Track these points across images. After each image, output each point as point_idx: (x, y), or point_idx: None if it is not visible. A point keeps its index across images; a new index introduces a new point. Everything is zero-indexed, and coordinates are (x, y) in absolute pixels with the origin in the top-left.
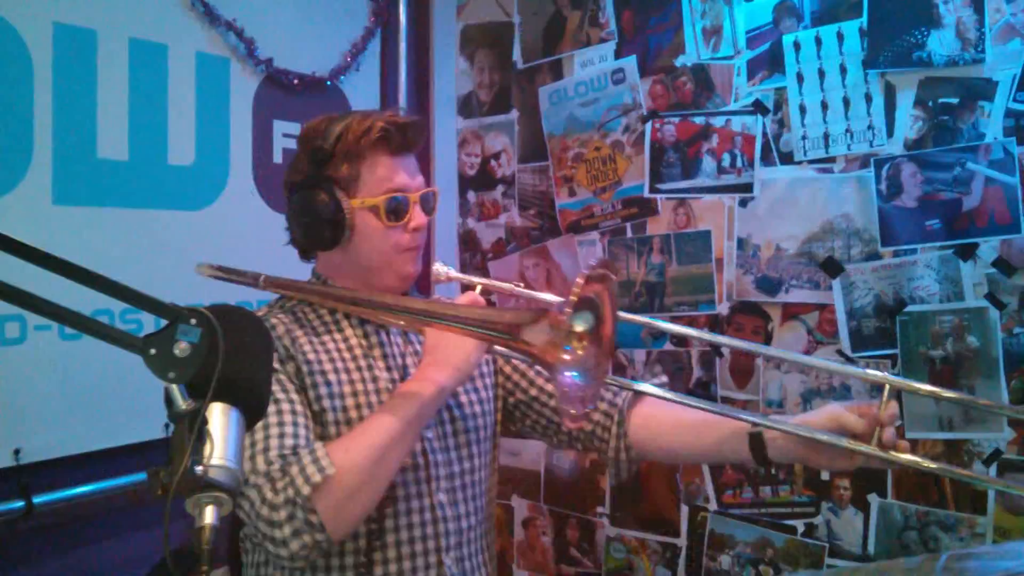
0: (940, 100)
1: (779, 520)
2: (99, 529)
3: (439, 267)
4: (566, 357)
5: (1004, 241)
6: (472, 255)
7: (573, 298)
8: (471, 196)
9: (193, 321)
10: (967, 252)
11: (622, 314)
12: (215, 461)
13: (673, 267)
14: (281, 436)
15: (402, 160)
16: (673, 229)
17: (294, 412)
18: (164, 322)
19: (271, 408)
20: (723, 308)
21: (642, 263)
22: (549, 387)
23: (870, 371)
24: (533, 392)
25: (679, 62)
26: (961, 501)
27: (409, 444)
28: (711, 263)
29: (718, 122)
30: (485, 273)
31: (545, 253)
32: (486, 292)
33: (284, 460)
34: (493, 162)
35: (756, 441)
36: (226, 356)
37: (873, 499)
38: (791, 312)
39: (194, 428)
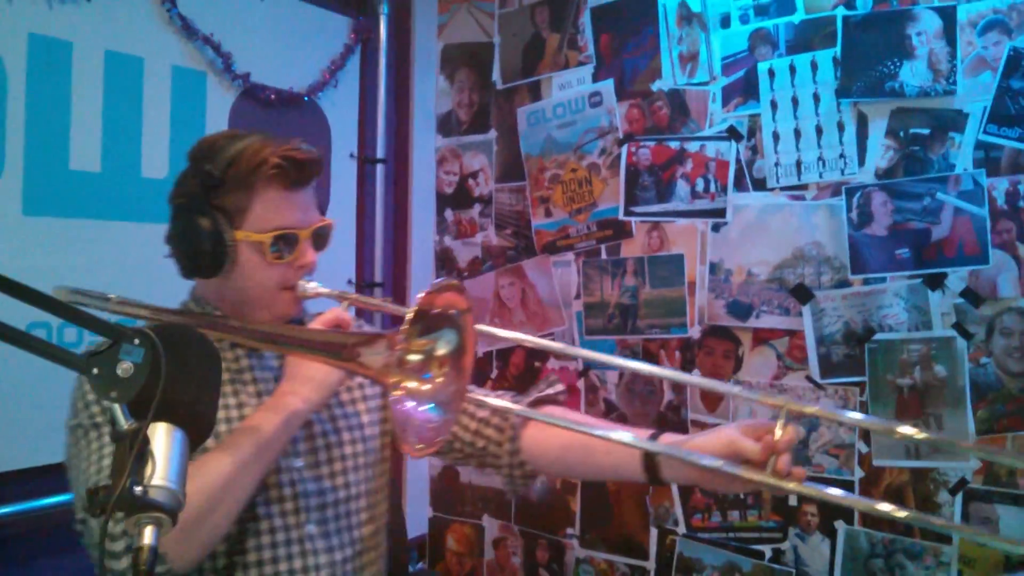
0: (911, 130)
1: (747, 545)
2: (56, 542)
3: (303, 283)
4: (424, 387)
5: (972, 272)
6: (448, 273)
7: (408, 318)
8: (448, 214)
9: (136, 341)
10: (936, 282)
11: (485, 328)
12: (156, 482)
13: (646, 290)
14: None
15: (296, 195)
16: (647, 252)
17: None
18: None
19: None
20: (695, 331)
21: (616, 285)
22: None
23: (769, 397)
24: None
25: (655, 87)
26: (927, 530)
27: (259, 472)
28: (683, 287)
29: (693, 147)
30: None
31: (520, 272)
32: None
33: None
34: (471, 181)
35: (649, 462)
36: (169, 377)
37: (840, 525)
38: (761, 337)
39: (135, 448)
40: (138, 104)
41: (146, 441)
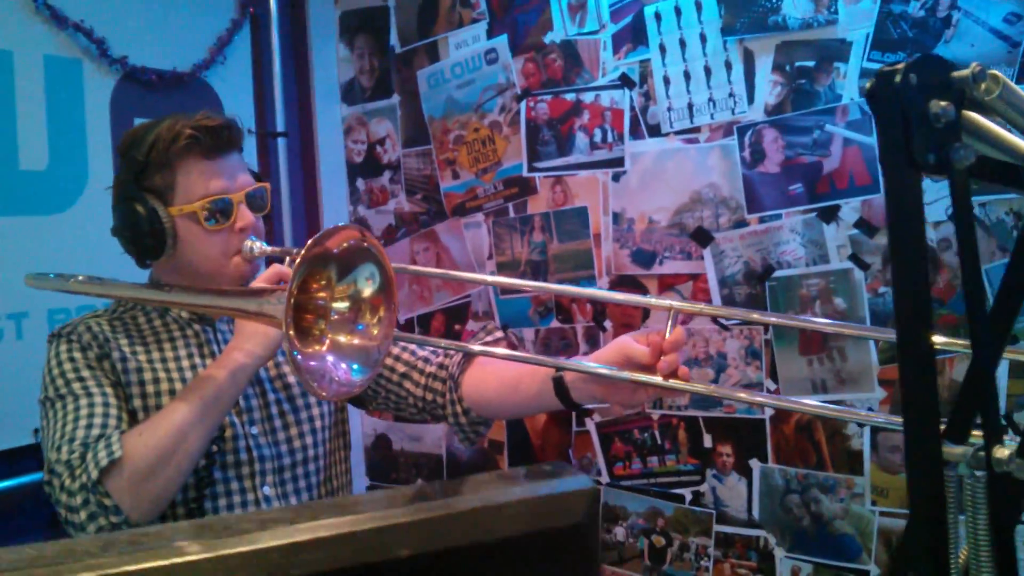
0: (797, 64)
1: (668, 490)
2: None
3: (248, 244)
4: (341, 339)
5: (864, 201)
6: None
7: (297, 263)
8: (360, 183)
9: None
10: (830, 215)
11: (411, 267)
12: None
13: (554, 245)
14: (88, 427)
15: (218, 163)
16: (552, 207)
17: (106, 404)
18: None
19: (84, 401)
20: (603, 283)
21: (525, 242)
22: (390, 362)
23: (655, 299)
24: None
25: (548, 39)
26: (839, 463)
27: (208, 426)
28: (589, 239)
29: (588, 98)
30: None
31: (434, 237)
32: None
33: (86, 448)
34: (379, 148)
35: (559, 386)
36: None
37: (755, 464)
38: (667, 283)
39: None
40: (11, 96)
41: None
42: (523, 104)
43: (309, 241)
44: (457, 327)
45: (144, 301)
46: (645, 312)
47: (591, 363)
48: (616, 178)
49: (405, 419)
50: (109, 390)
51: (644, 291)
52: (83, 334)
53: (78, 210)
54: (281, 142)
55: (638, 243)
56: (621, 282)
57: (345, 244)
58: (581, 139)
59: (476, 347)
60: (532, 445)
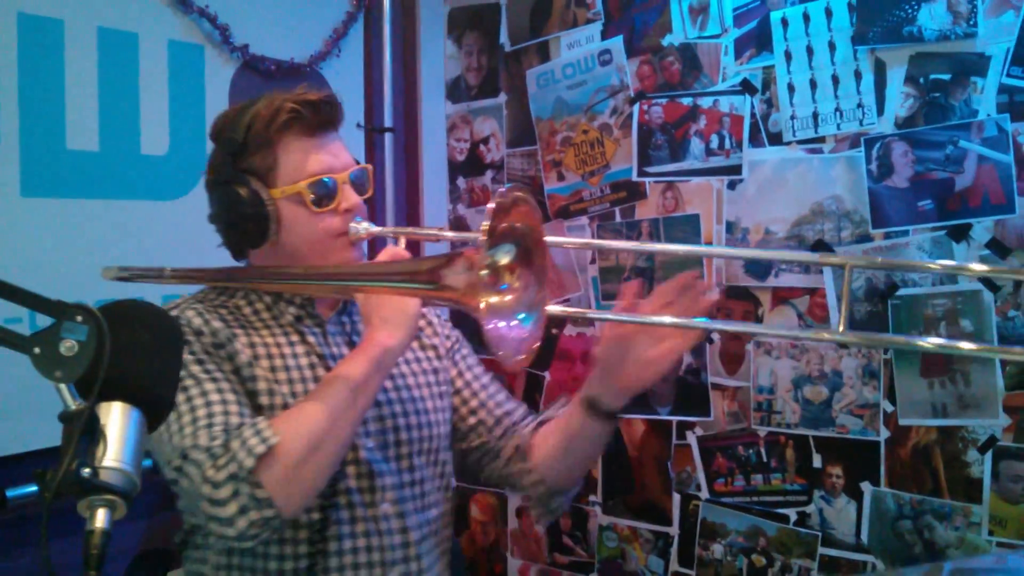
0: (931, 76)
1: (771, 509)
2: (75, 522)
3: (355, 225)
4: (493, 299)
5: (998, 221)
6: (464, 243)
7: (483, 233)
8: (461, 182)
9: (79, 318)
10: (960, 233)
11: (559, 239)
12: (107, 463)
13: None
14: (225, 413)
15: (320, 140)
16: (662, 213)
17: (235, 391)
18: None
19: (210, 386)
20: (712, 293)
21: None
22: (482, 415)
23: (827, 256)
24: (474, 420)
25: (666, 42)
26: (955, 490)
27: (357, 414)
28: (700, 247)
29: (706, 103)
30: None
31: None
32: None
33: (228, 436)
34: (482, 147)
35: (589, 403)
36: (119, 353)
37: (866, 487)
38: (781, 296)
39: (79, 429)
40: (134, 81)
41: (95, 421)
42: (636, 107)
43: (491, 213)
44: (554, 331)
45: (278, 288)
46: (757, 323)
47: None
48: (732, 186)
49: (470, 481)
50: (232, 377)
51: (757, 303)
52: (192, 319)
53: (195, 196)
54: (388, 138)
55: None
56: (732, 292)
57: (513, 221)
58: (696, 145)
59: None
60: (629, 457)
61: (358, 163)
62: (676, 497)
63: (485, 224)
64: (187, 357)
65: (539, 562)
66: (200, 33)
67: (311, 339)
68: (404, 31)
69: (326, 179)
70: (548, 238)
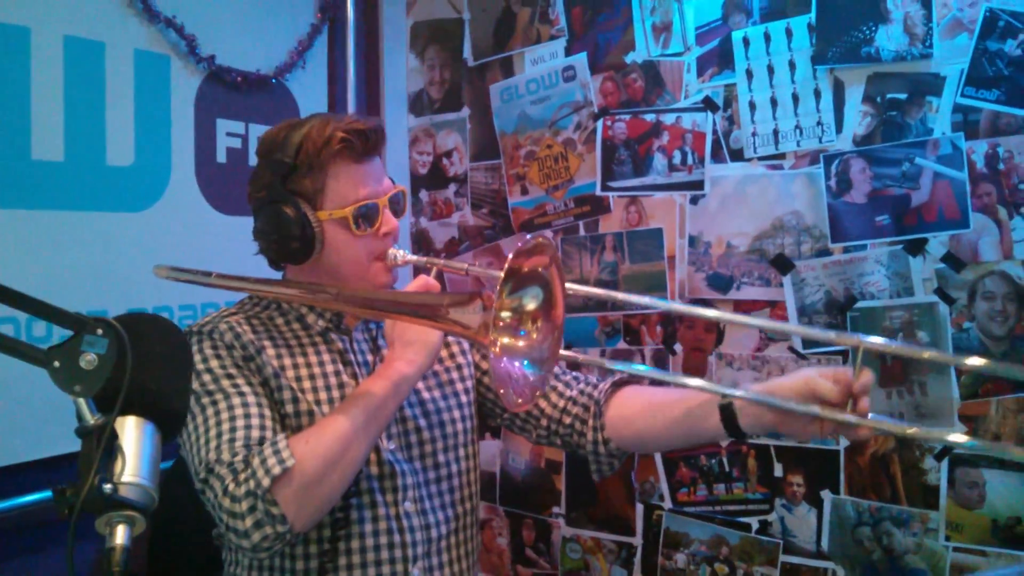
0: (888, 96)
1: (733, 518)
2: (10, 548)
3: (392, 251)
4: (504, 340)
5: (953, 236)
6: (425, 255)
7: (501, 275)
8: (423, 195)
9: (99, 331)
10: (916, 247)
11: (574, 286)
12: (126, 478)
13: (626, 265)
14: (248, 428)
15: (366, 166)
16: (625, 227)
17: (259, 405)
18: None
19: (236, 400)
20: (676, 305)
21: (595, 261)
22: None
23: (841, 334)
24: None
25: (629, 59)
26: (913, 496)
27: (372, 435)
28: (663, 261)
29: (668, 119)
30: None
31: (498, 252)
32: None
33: (248, 451)
34: (445, 160)
35: (727, 412)
36: (136, 367)
37: (826, 495)
38: (743, 309)
39: (102, 444)
40: (100, 90)
41: (114, 436)
42: (600, 123)
43: (511, 257)
44: None
45: (310, 301)
46: (719, 336)
47: (766, 393)
48: (694, 201)
49: (532, 442)
50: (260, 390)
51: None
52: (225, 332)
53: (161, 208)
54: None
55: (714, 267)
56: (695, 305)
57: (532, 267)
58: (659, 160)
59: (636, 367)
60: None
61: (395, 185)
62: (639, 507)
63: (502, 271)
64: (217, 371)
65: (502, 575)
66: (166, 43)
67: (339, 345)
68: (367, 44)
69: (370, 204)
70: (569, 284)
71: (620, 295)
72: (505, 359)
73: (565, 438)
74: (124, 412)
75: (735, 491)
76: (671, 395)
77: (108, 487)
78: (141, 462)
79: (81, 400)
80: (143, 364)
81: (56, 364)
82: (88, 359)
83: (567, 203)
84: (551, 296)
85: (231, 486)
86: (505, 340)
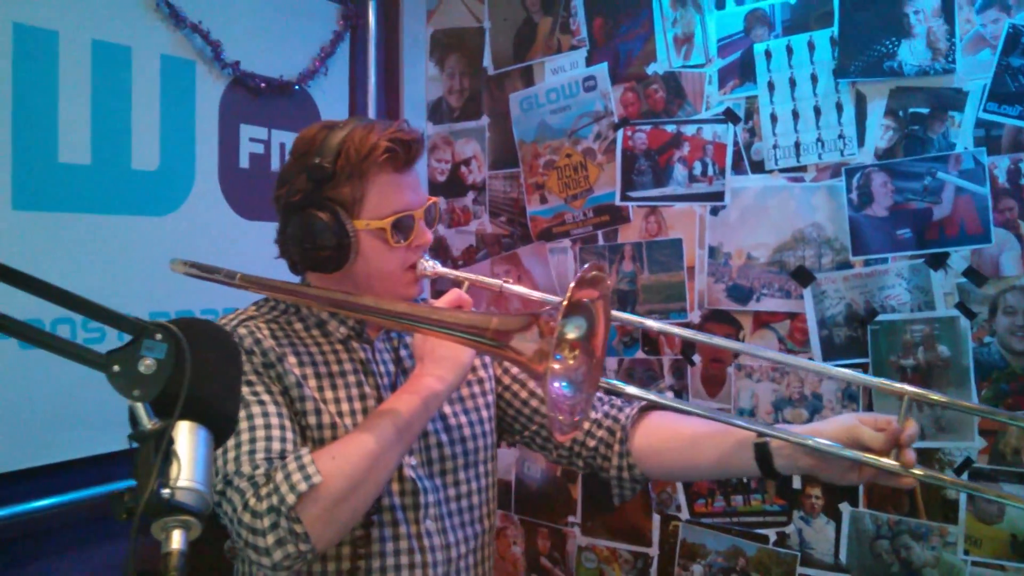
0: (911, 110)
1: (751, 529)
2: (60, 543)
3: (423, 263)
4: (556, 366)
5: (974, 251)
6: (442, 262)
7: (564, 303)
8: (442, 202)
9: (159, 336)
10: (938, 262)
11: (618, 314)
12: (182, 483)
13: (644, 275)
14: (268, 439)
15: (406, 177)
16: (644, 237)
17: (280, 415)
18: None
19: (256, 409)
20: (694, 316)
21: (613, 271)
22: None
23: (890, 382)
24: (534, 404)
25: (650, 70)
26: (932, 510)
27: (399, 453)
28: (682, 271)
29: (689, 130)
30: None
31: (516, 260)
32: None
33: (270, 464)
34: (463, 168)
35: (762, 451)
36: (192, 372)
37: (845, 508)
38: (762, 321)
39: (160, 449)
40: (127, 95)
41: (171, 441)
42: (620, 133)
43: (573, 286)
44: None
45: (338, 308)
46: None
47: (806, 434)
48: (715, 212)
49: (551, 460)
50: (280, 399)
51: (738, 327)
52: (245, 337)
53: (184, 212)
54: None
55: (734, 278)
56: (714, 316)
57: (589, 296)
58: (679, 171)
59: (664, 399)
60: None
61: (430, 196)
62: (656, 518)
63: (567, 298)
64: None
65: None
66: (192, 49)
67: (361, 355)
68: (387, 52)
69: (407, 216)
70: (615, 313)
71: (655, 324)
72: (555, 384)
73: (588, 460)
74: (180, 417)
75: (753, 502)
76: (702, 427)
77: (166, 492)
78: (196, 467)
79: (139, 405)
80: (198, 369)
81: (116, 368)
82: (147, 364)
83: (586, 212)
84: (595, 325)
85: (252, 501)
86: (556, 367)
